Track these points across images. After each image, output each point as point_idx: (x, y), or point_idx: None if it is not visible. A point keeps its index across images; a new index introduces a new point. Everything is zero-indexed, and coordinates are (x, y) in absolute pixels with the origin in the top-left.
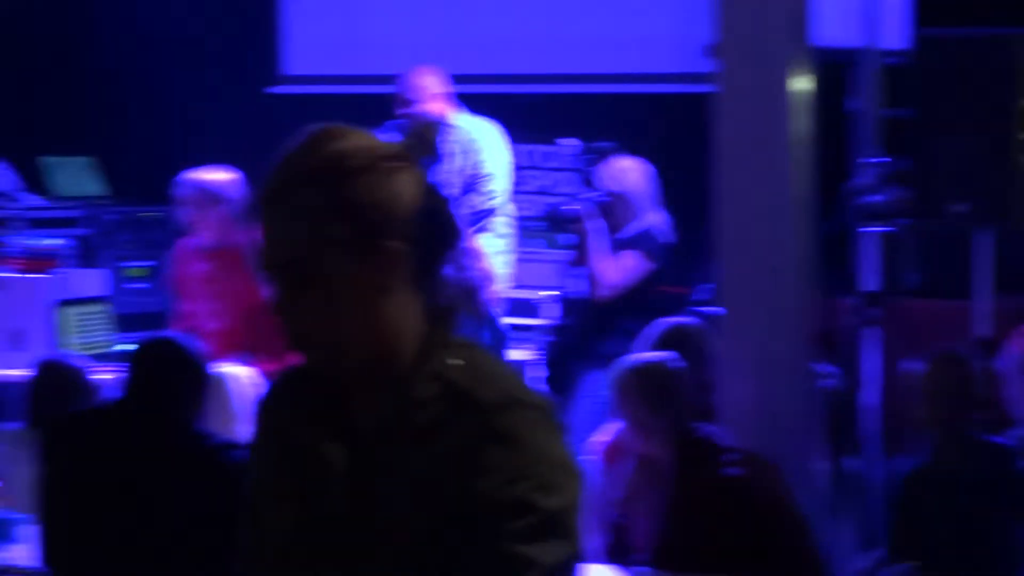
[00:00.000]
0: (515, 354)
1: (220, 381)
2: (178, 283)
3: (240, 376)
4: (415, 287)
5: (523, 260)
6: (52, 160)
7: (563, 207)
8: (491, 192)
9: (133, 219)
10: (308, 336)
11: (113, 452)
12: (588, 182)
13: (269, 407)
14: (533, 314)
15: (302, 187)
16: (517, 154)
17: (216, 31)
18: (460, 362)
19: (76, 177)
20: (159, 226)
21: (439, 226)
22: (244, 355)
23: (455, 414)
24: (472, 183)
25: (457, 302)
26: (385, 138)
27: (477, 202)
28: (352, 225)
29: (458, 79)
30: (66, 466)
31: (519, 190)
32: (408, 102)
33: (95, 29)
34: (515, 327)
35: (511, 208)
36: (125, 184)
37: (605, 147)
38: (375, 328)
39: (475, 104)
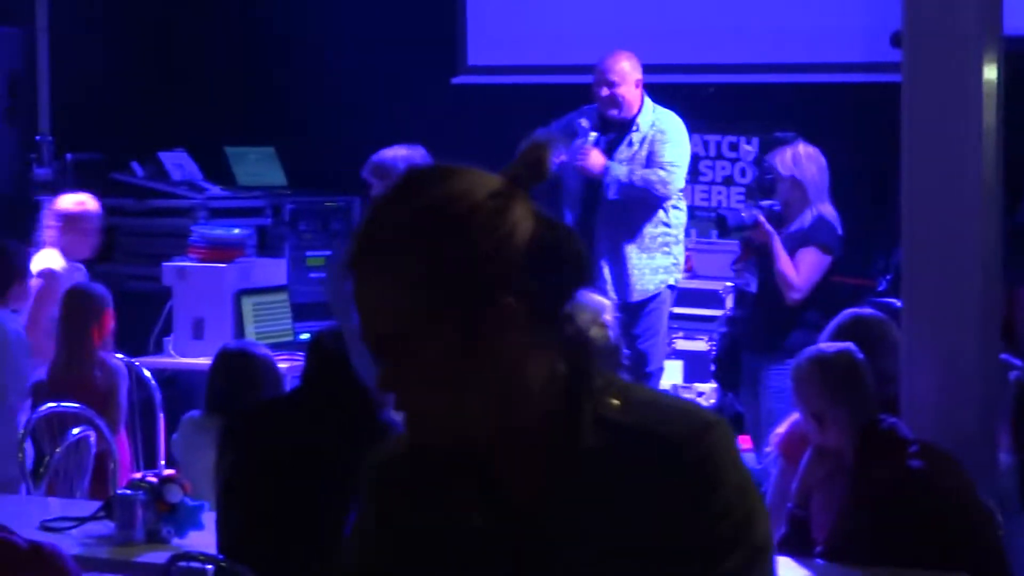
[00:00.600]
0: (687, 344)
1: None
2: None
3: None
4: (541, 334)
5: (699, 250)
6: (235, 150)
7: (736, 215)
8: (671, 182)
9: (314, 209)
10: (424, 413)
11: (293, 441)
12: (760, 190)
13: (374, 490)
14: (709, 304)
15: (397, 250)
16: (699, 144)
17: (402, 21)
18: (618, 402)
19: (258, 167)
20: (340, 215)
21: (561, 262)
22: None
23: (637, 459)
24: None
25: (591, 338)
26: (483, 174)
27: (658, 191)
28: (459, 289)
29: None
30: (246, 454)
31: (700, 180)
32: (610, 83)
33: (279, 20)
34: (689, 317)
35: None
36: (306, 174)
37: (785, 137)
38: (502, 394)
39: (658, 94)
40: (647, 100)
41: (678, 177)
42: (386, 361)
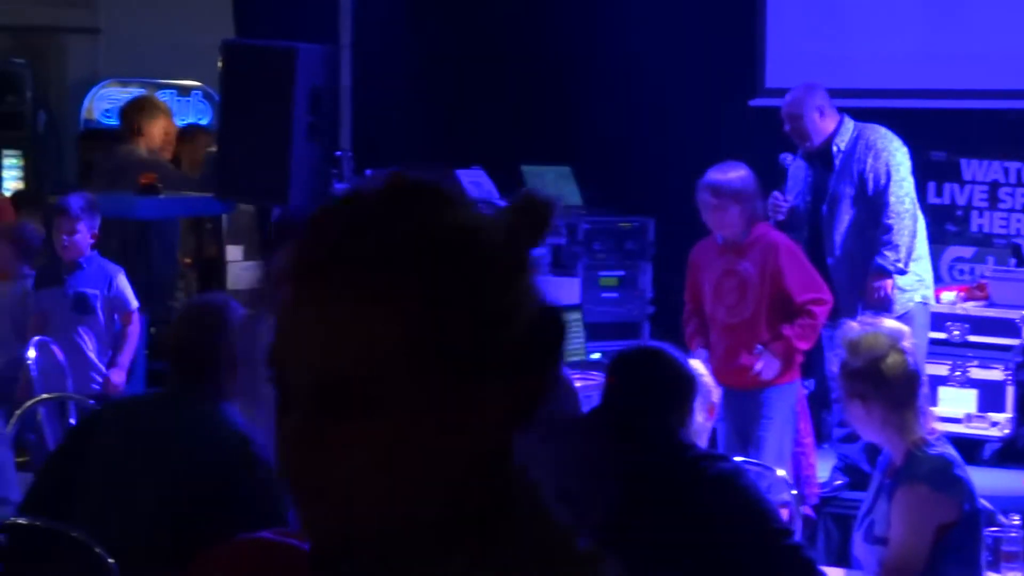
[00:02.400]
0: (981, 373)
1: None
2: (700, 284)
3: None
4: (498, 440)
5: (996, 279)
6: (531, 168)
7: (1019, 241)
8: (898, 204)
9: (608, 229)
10: (353, 496)
11: (586, 460)
12: None
13: None
14: (1005, 333)
15: (389, 265)
16: (999, 171)
17: (701, 43)
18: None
19: (554, 186)
20: (634, 236)
21: (551, 350)
22: (761, 348)
23: None
24: (875, 195)
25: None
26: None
27: (889, 215)
28: (459, 337)
29: (938, 93)
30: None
31: (1000, 207)
32: (790, 118)
33: (577, 40)
34: (983, 346)
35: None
36: (602, 194)
37: None
38: (444, 482)
39: (954, 119)
40: (846, 120)
41: (903, 194)
42: (310, 417)
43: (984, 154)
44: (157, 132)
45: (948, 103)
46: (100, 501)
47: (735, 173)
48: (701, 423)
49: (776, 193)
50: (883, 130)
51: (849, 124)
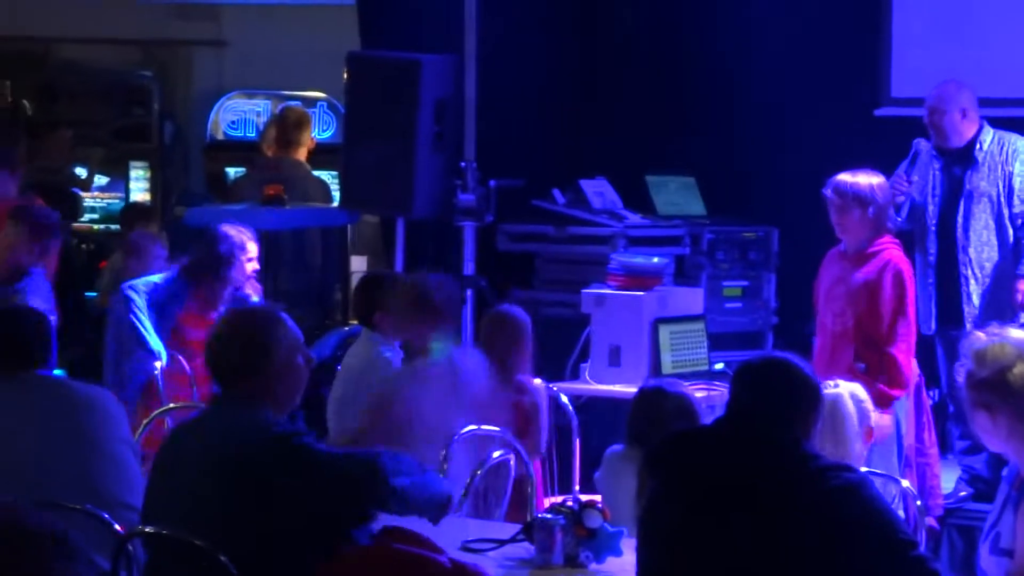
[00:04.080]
0: None
1: (834, 402)
2: (819, 290)
3: (855, 394)
4: None
5: None
6: (655, 179)
7: None
8: None
9: (732, 239)
10: None
11: (715, 473)
12: None
13: None
14: None
15: None
16: None
17: (826, 52)
18: None
19: (678, 196)
20: (758, 246)
21: None
22: (858, 358)
23: None
24: (1017, 194)
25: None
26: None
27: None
28: None
29: None
30: (666, 483)
31: None
32: (933, 112)
33: (701, 49)
34: None
35: None
36: (726, 204)
37: None
38: None
39: None
40: (986, 126)
41: None
42: None
43: None
44: (307, 144)
45: None
46: (162, 510)
47: (865, 178)
48: (860, 450)
49: (901, 173)
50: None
51: (989, 130)
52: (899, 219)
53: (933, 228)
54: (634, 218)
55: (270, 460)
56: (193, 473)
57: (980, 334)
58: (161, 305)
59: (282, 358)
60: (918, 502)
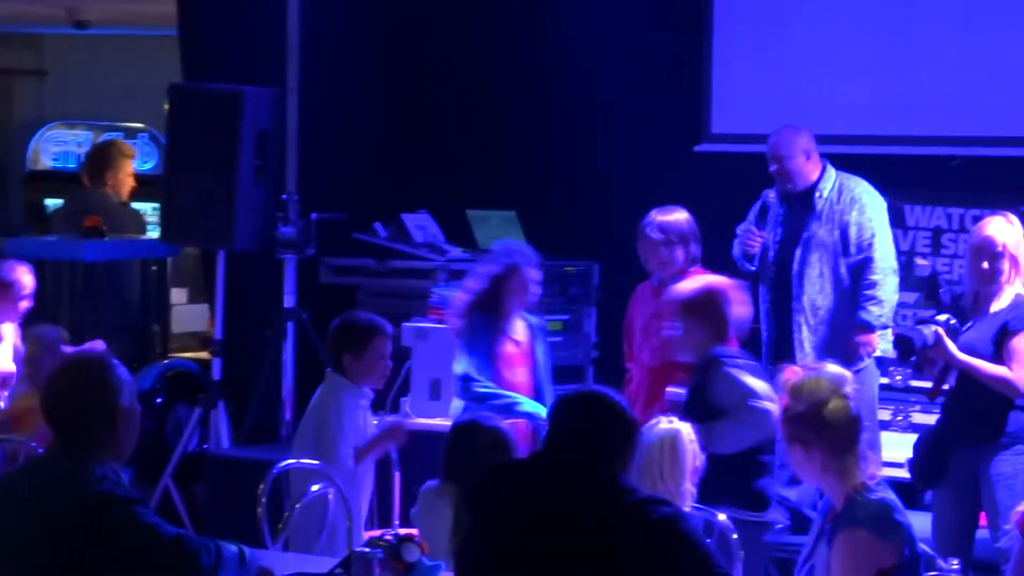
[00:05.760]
0: (924, 418)
1: (675, 437)
2: (632, 326)
3: (688, 434)
4: None
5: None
6: (476, 213)
7: (908, 334)
8: (883, 261)
9: (553, 273)
10: None
11: (531, 508)
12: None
13: None
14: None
15: None
16: (942, 217)
17: (646, 89)
18: None
19: (499, 230)
20: (579, 280)
21: None
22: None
23: None
24: (853, 243)
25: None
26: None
27: (874, 271)
28: None
29: (881, 139)
30: (482, 516)
31: (943, 254)
32: (776, 159)
33: (522, 86)
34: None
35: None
36: (547, 238)
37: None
38: None
39: (898, 166)
40: (829, 168)
41: (881, 243)
42: None
43: (927, 200)
44: (126, 179)
45: (891, 149)
46: None
47: (680, 215)
48: (687, 488)
49: (751, 226)
50: (865, 183)
51: (831, 172)
52: (752, 268)
53: (770, 274)
54: (456, 252)
55: (97, 521)
56: (14, 522)
57: (796, 368)
58: None
59: (121, 406)
60: (734, 535)
